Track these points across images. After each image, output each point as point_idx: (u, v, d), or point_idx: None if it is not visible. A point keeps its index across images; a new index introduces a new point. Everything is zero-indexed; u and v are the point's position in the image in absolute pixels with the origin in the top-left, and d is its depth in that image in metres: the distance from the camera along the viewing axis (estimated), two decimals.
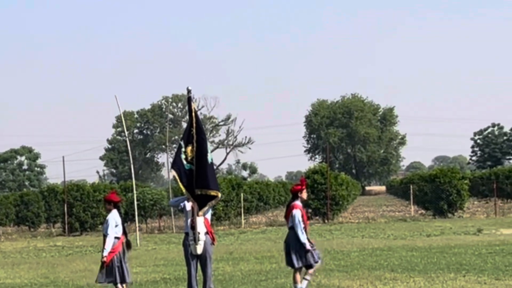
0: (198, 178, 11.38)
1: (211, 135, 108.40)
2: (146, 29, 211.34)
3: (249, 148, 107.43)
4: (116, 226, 12.00)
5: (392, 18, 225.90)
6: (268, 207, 52.19)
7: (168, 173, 47.00)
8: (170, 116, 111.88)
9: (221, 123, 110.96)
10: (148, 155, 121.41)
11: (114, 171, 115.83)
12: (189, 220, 11.43)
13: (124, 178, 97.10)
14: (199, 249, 11.37)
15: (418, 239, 23.52)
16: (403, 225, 31.89)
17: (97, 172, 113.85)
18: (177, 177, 11.54)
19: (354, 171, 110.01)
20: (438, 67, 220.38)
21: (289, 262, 12.31)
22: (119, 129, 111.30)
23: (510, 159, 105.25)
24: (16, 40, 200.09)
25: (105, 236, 11.99)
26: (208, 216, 11.67)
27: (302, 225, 12.16)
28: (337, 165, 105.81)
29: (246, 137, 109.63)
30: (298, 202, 12.32)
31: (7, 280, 17.13)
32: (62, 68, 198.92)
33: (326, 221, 35.60)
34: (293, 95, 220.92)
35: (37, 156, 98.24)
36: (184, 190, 11.46)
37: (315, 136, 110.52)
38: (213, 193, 11.45)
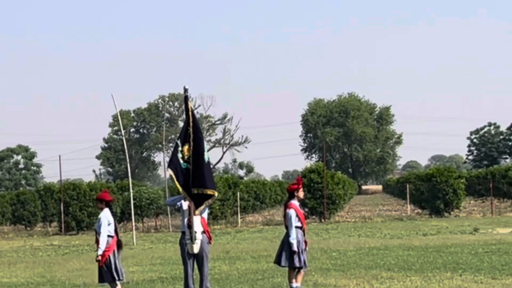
0: (195, 177, 11.40)
1: (207, 134, 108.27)
2: (143, 28, 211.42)
3: (246, 147, 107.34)
4: (109, 224, 11.99)
5: (390, 18, 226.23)
6: (265, 206, 52.19)
7: (165, 172, 47.03)
8: (167, 115, 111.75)
9: (218, 122, 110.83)
10: (144, 154, 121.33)
11: (111, 170, 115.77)
12: (185, 219, 11.43)
13: (120, 177, 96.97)
14: (196, 248, 11.37)
15: (414, 238, 23.55)
16: (400, 224, 31.92)
17: (94, 171, 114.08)
18: (173, 176, 11.55)
19: (350, 170, 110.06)
20: (434, 66, 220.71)
21: (277, 261, 12.34)
22: (116, 128, 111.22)
23: (506, 158, 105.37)
24: (12, 39, 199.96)
25: (98, 234, 11.99)
26: (205, 215, 11.67)
27: (299, 224, 12.16)
28: (333, 164, 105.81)
29: (242, 136, 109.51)
30: (294, 201, 12.32)
31: (4, 279, 17.10)
32: (59, 67, 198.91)
33: (322, 220, 35.63)
34: (289, 94, 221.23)
35: (33, 155, 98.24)
36: (180, 189, 11.48)
37: (311, 135, 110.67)
38: (209, 192, 11.48)
